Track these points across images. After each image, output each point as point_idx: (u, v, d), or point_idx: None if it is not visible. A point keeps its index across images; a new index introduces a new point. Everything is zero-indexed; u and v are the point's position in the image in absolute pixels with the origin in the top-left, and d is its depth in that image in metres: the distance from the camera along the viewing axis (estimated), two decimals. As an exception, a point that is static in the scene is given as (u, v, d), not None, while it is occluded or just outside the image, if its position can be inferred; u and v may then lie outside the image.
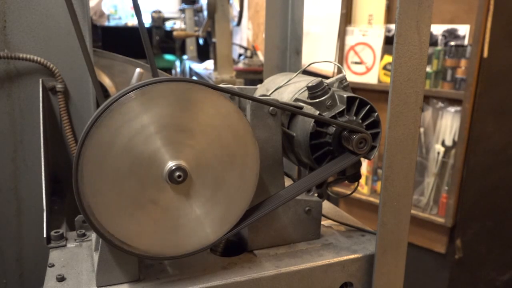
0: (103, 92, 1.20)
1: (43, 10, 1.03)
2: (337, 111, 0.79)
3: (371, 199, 2.29)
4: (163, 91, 0.64)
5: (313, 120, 0.78)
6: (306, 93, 0.82)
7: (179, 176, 0.65)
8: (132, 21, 6.30)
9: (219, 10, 2.94)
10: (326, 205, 1.05)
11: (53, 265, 0.77)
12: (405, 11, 0.72)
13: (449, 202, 1.98)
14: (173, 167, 0.65)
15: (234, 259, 0.80)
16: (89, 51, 1.02)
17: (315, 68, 2.56)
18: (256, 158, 0.71)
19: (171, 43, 5.18)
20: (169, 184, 0.65)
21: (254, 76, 3.34)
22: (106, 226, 0.64)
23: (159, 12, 5.44)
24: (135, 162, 0.63)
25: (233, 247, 0.84)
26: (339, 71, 2.27)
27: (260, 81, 1.16)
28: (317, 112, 0.79)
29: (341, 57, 2.35)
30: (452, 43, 1.97)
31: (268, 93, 0.94)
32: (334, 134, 0.80)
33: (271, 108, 0.78)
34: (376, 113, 0.81)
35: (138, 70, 0.91)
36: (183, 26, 4.65)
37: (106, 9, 6.08)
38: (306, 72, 0.95)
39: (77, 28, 0.90)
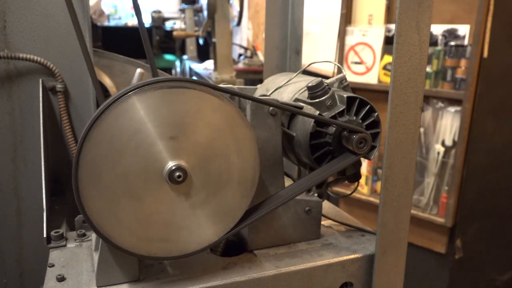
0: (103, 92, 1.20)
1: (43, 10, 1.03)
2: (337, 111, 0.79)
3: (371, 199, 2.29)
4: (165, 91, 0.64)
5: (313, 120, 0.78)
6: (306, 93, 0.82)
7: (179, 176, 0.65)
8: (132, 21, 6.30)
9: (219, 10, 2.94)
10: (326, 205, 1.05)
11: (53, 265, 0.77)
12: (405, 11, 0.72)
13: (449, 202, 1.98)
14: (173, 167, 0.64)
15: (234, 259, 0.80)
16: (89, 51, 1.02)
17: (315, 68, 2.56)
18: (256, 163, 0.71)
19: (171, 43, 5.19)
20: (169, 184, 0.65)
21: (254, 76, 3.35)
22: (105, 226, 0.64)
23: (159, 12, 5.44)
24: (135, 161, 0.63)
25: (233, 247, 0.84)
26: (339, 71, 2.27)
27: (260, 81, 1.16)
28: (317, 112, 0.79)
29: (341, 57, 2.35)
30: (452, 43, 1.97)
31: (268, 93, 0.94)
32: (334, 134, 0.80)
33: (271, 108, 0.78)
34: (376, 113, 0.81)
35: (138, 70, 0.91)
36: (183, 26, 4.66)
37: (106, 9, 6.07)
38: (306, 72, 0.95)
39: (77, 28, 0.90)
